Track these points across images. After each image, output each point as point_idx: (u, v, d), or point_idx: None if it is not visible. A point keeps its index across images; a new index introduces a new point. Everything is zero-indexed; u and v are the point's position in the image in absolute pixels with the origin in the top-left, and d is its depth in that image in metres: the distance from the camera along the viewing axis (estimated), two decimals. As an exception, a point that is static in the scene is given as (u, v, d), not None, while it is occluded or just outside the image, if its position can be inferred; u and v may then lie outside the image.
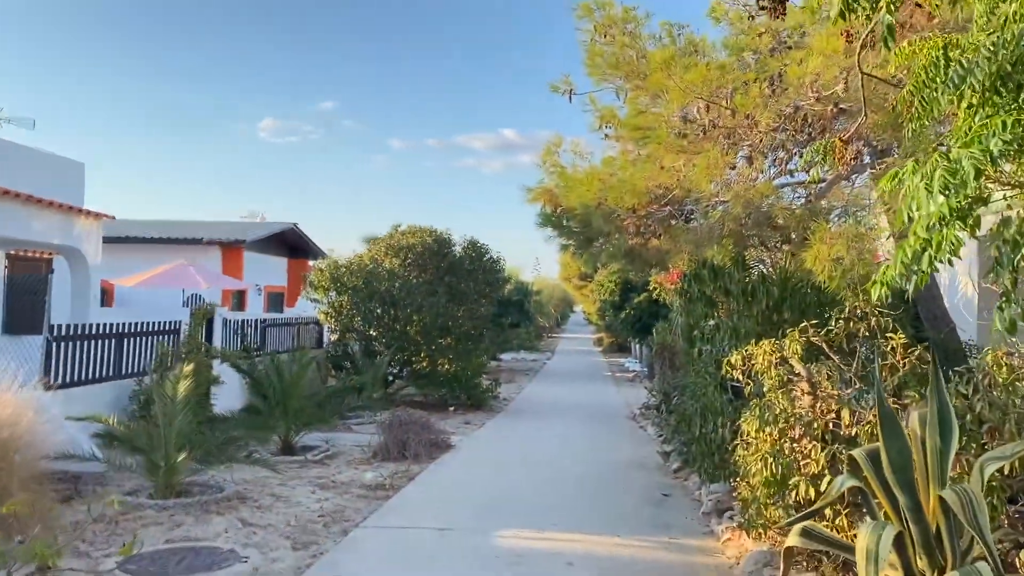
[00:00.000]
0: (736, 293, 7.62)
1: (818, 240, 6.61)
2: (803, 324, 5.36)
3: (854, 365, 5.05)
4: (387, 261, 17.21)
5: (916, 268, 2.76)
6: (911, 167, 2.83)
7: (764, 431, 5.16)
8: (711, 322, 8.26)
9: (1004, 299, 2.78)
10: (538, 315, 50.20)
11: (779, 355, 5.75)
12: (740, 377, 6.18)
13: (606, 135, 9.43)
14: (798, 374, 5.17)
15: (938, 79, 3.32)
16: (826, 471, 4.79)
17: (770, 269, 9.01)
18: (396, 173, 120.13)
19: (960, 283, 9.20)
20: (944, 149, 3.30)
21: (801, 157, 7.72)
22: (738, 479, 5.96)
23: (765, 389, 5.80)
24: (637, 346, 32.23)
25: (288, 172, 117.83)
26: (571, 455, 10.73)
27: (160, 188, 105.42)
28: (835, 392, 4.99)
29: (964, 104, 3.30)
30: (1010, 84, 3.11)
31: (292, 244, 26.44)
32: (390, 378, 16.76)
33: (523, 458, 10.47)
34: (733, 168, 8.06)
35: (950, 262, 2.68)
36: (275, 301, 26.00)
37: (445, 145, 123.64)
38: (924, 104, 3.45)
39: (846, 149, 4.78)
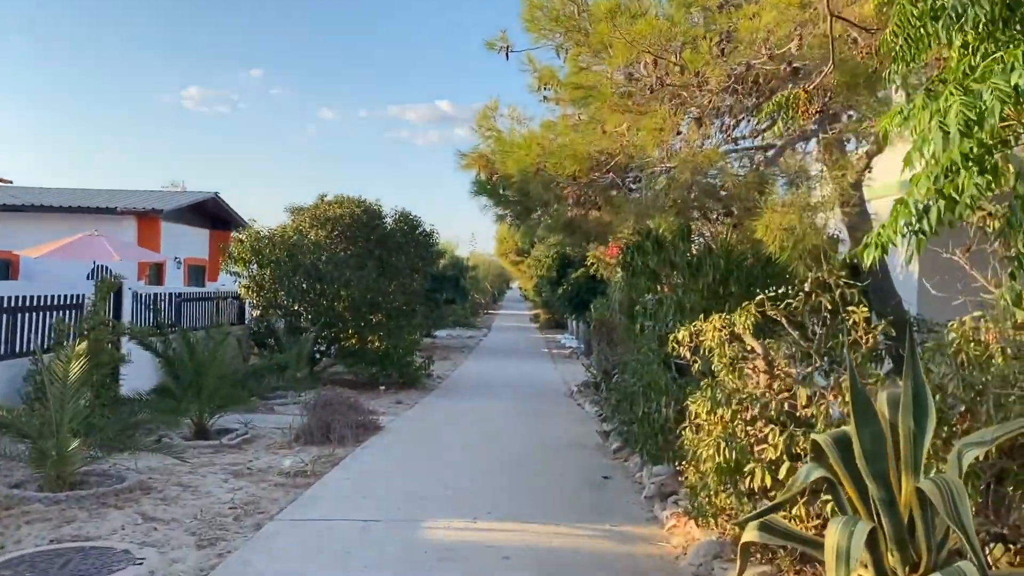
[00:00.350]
0: (681, 266, 7.21)
1: (769, 209, 6.21)
2: (759, 297, 4.93)
3: (816, 342, 4.65)
4: (313, 233, 16.37)
5: (919, 227, 2.30)
6: (920, 102, 2.37)
7: (716, 413, 4.73)
8: (654, 296, 7.84)
9: (1017, 266, 2.34)
10: (474, 291, 49.63)
11: (729, 330, 5.34)
12: (687, 354, 5.75)
13: (545, 97, 8.87)
14: (752, 351, 4.75)
15: (929, 11, 2.87)
16: (784, 457, 4.38)
17: (711, 242, 8.64)
18: (328, 144, 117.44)
19: (901, 250, 9.00)
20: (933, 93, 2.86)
21: (749, 122, 7.32)
22: (685, 463, 5.55)
23: (715, 367, 5.40)
24: (574, 322, 32.01)
25: (215, 142, 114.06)
26: (507, 435, 10.26)
27: (79, 159, 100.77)
28: (791, 371, 4.59)
29: (958, 43, 2.86)
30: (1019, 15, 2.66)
31: (214, 215, 25.20)
32: (317, 356, 16.02)
33: (456, 439, 9.95)
34: (679, 133, 7.61)
35: (961, 217, 2.23)
36: (196, 274, 24.79)
37: (378, 116, 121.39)
38: (910, 43, 3.00)
39: (810, 103, 4.35)
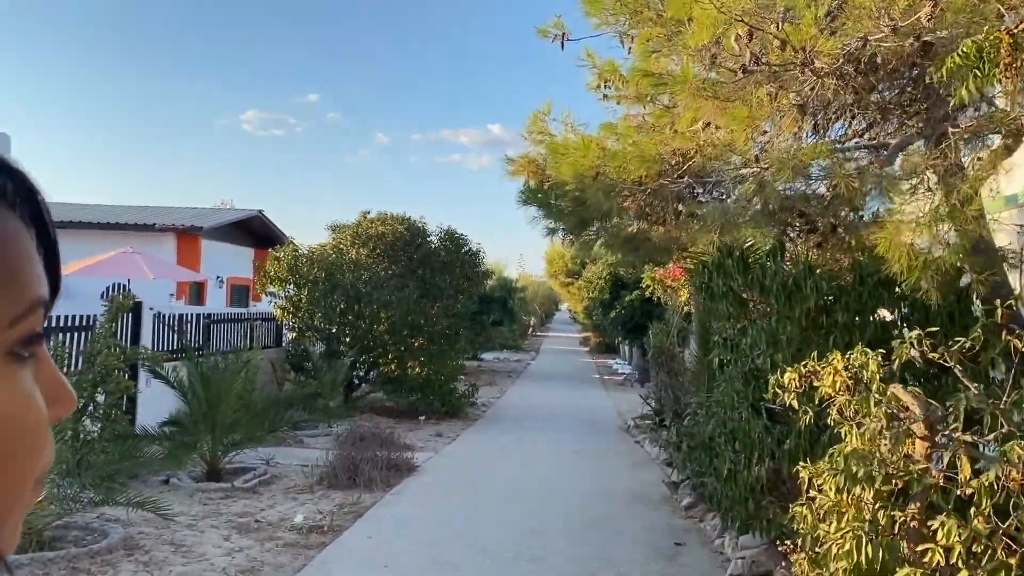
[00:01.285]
0: (774, 289, 5.91)
1: (895, 220, 4.91)
2: (914, 333, 3.62)
3: (1003, 396, 3.32)
4: (353, 251, 15.41)
5: None
6: None
7: (851, 491, 3.43)
8: (737, 325, 6.54)
9: None
10: (522, 313, 48.53)
11: (851, 375, 4.05)
12: (792, 402, 4.45)
13: (605, 95, 7.68)
14: (904, 407, 3.45)
15: None
16: (960, 562, 3.06)
17: (799, 261, 7.31)
18: (381, 167, 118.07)
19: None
20: None
21: (863, 116, 6.02)
22: (791, 544, 4.24)
23: (834, 421, 4.10)
24: (627, 347, 30.57)
25: (270, 165, 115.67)
26: (558, 480, 8.99)
27: (137, 183, 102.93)
28: (966, 437, 3.28)
29: None
30: None
31: (259, 233, 24.53)
32: (356, 382, 14.99)
33: (499, 485, 8.71)
34: (767, 132, 6.35)
35: None
36: (239, 294, 24.10)
37: (430, 140, 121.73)
38: None
39: (1015, 53, 3.07)
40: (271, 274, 14.39)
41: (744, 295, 6.28)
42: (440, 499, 7.94)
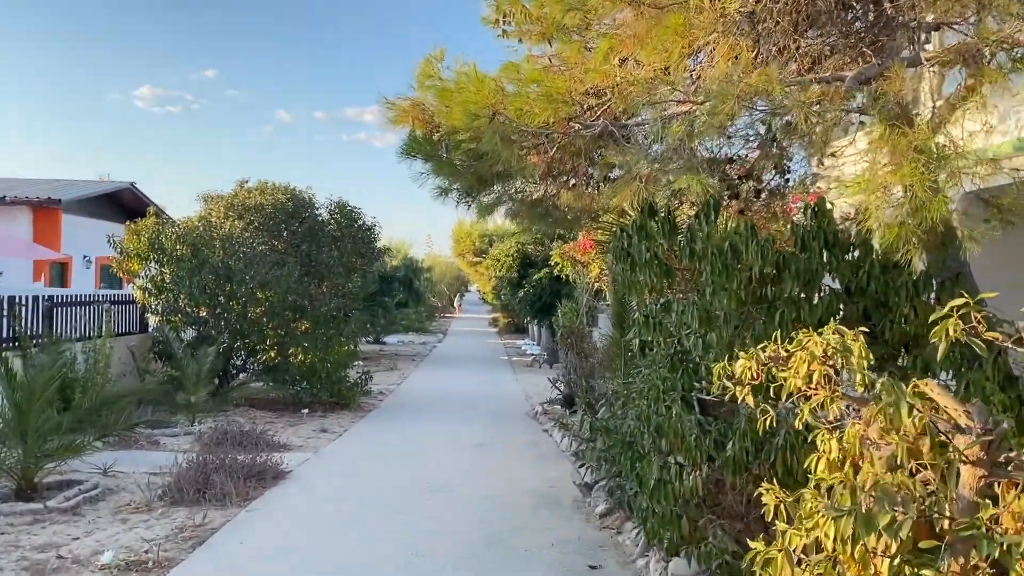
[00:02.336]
0: (708, 254, 4.79)
1: (874, 162, 3.85)
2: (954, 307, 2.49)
3: None
4: (228, 224, 13.70)
5: None
6: None
7: (858, 541, 2.30)
8: (661, 300, 5.41)
9: None
10: (430, 294, 47.03)
11: (829, 361, 2.95)
12: (748, 398, 3.31)
13: (504, 31, 6.46)
14: (938, 410, 2.32)
15: None
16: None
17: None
18: (283, 146, 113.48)
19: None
20: None
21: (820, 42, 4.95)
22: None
23: (801, 424, 3.02)
24: (536, 328, 29.62)
25: (166, 143, 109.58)
26: (455, 483, 7.74)
27: (16, 156, 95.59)
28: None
29: None
30: None
31: (132, 209, 22.14)
32: (233, 371, 13.35)
33: (384, 493, 7.39)
34: (696, 64, 5.21)
35: None
36: (111, 275, 21.80)
37: (334, 118, 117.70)
38: None
39: None
40: (130, 251, 12.55)
41: (670, 263, 5.14)
42: (306, 515, 6.55)
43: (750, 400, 3.25)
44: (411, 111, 6.50)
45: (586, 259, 12.98)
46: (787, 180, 7.41)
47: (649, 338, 5.39)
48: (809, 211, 5.02)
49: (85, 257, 20.52)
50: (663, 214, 5.22)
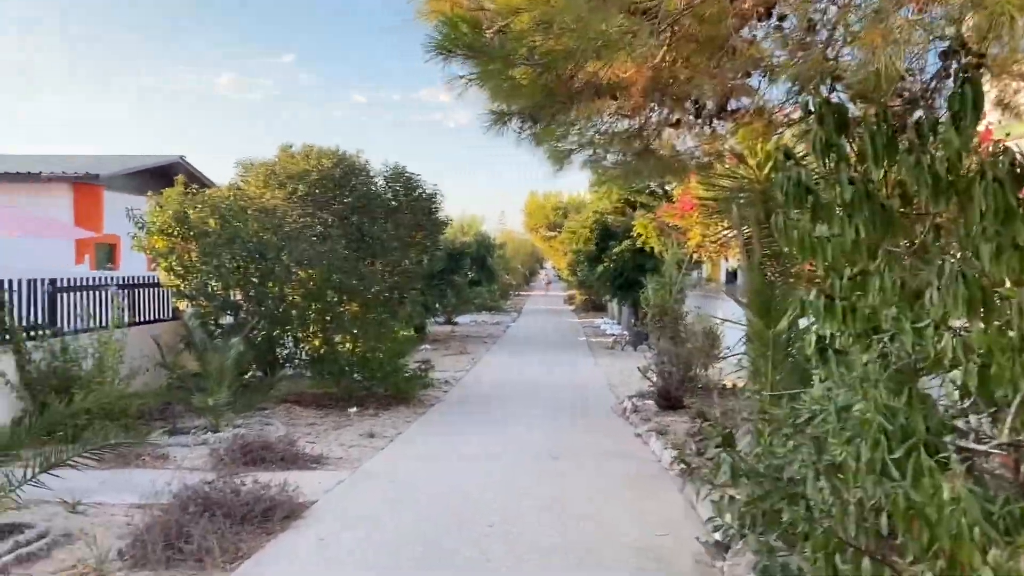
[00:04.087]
0: (973, 186, 2.61)
1: None
2: None
3: None
4: (267, 195, 11.97)
5: None
6: None
7: None
8: (873, 264, 3.21)
9: None
10: (503, 272, 45.19)
11: None
12: None
13: None
14: None
15: None
16: None
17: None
18: (359, 128, 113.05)
19: None
20: None
21: None
22: None
23: None
24: (616, 305, 27.41)
25: (247, 129, 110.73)
26: (523, 523, 5.73)
27: (101, 147, 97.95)
28: None
29: None
30: None
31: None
32: (281, 363, 11.68)
33: (429, 541, 5.41)
34: None
35: None
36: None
37: (410, 99, 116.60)
38: None
39: None
40: (151, 225, 10.94)
41: (891, 203, 2.94)
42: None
43: None
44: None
45: (686, 224, 10.72)
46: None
47: (839, 331, 3.23)
48: None
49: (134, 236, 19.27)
50: (877, 117, 2.99)
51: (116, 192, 17.99)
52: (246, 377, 11.44)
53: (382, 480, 7.05)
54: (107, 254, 18.58)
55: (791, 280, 4.79)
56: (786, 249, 3.62)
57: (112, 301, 9.76)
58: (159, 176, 19.95)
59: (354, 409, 10.50)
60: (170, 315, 11.80)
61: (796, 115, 6.48)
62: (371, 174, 13.18)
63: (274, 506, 5.62)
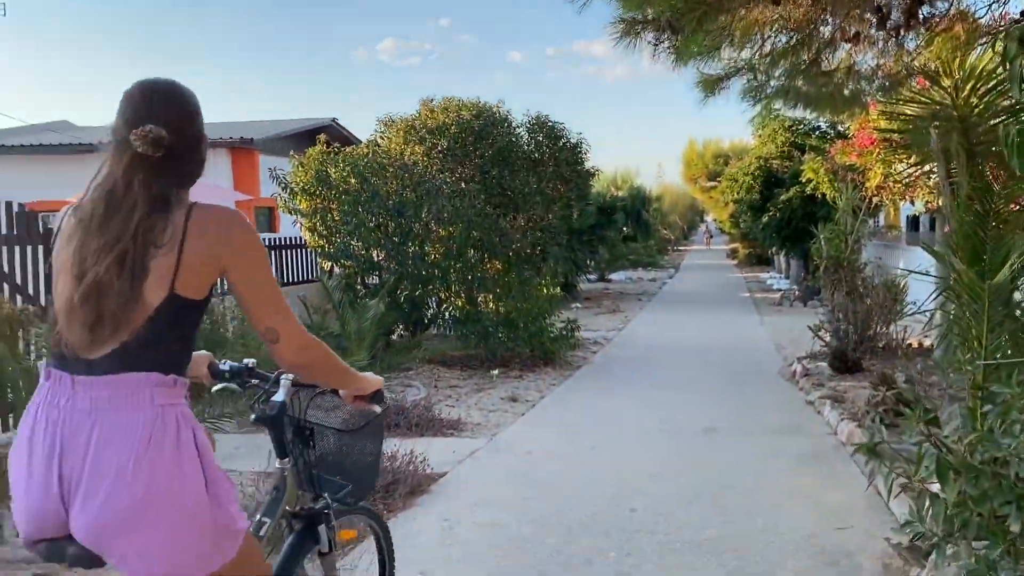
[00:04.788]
0: None
1: None
2: None
3: None
4: (408, 150, 11.66)
5: None
6: None
7: None
8: None
9: None
10: (660, 225, 43.67)
11: None
12: None
13: None
14: None
15: None
16: None
17: None
18: (519, 87, 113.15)
19: None
20: None
21: None
22: None
23: None
24: (783, 259, 25.62)
25: (406, 95, 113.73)
26: (671, 517, 5.00)
27: (268, 117, 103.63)
28: None
29: None
30: None
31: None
32: (426, 322, 11.46)
33: (558, 530, 4.79)
34: None
35: None
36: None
37: (564, 53, 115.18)
38: None
39: None
40: (295, 185, 10.89)
41: None
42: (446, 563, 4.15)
43: None
44: None
45: (865, 163, 9.36)
46: None
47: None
48: None
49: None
50: None
51: (272, 156, 18.48)
52: (392, 338, 11.32)
53: (518, 452, 6.50)
54: (267, 218, 19.19)
55: (1005, 222, 3.72)
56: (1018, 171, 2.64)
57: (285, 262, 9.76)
58: (312, 139, 20.38)
59: (496, 372, 10.05)
60: (318, 275, 11.82)
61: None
62: (513, 125, 12.58)
63: (397, 480, 5.20)
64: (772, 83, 6.23)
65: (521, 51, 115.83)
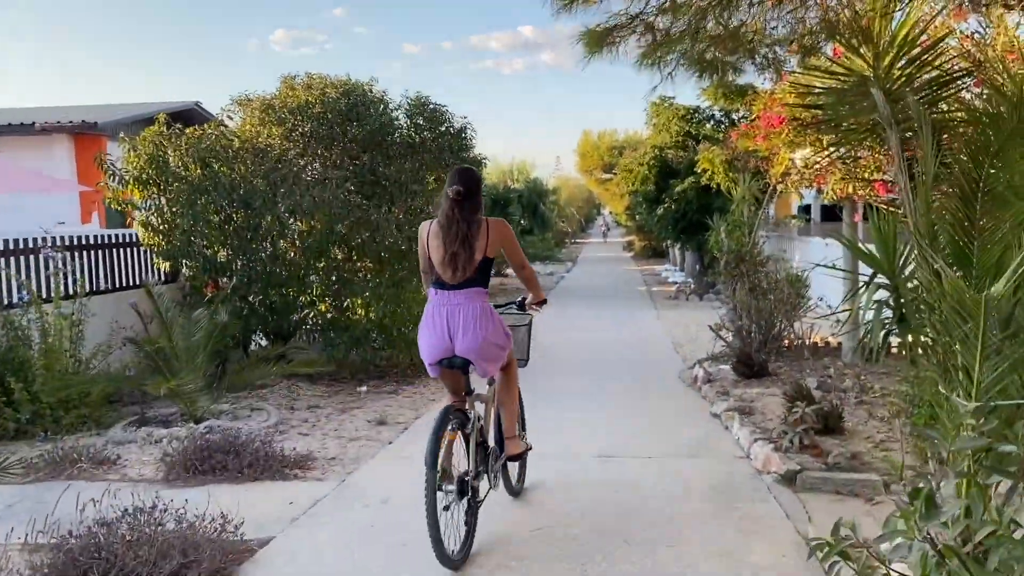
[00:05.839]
0: None
1: None
2: None
3: None
4: (264, 132, 10.14)
5: None
6: None
7: None
8: None
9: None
10: (558, 219, 42.98)
11: None
12: None
13: None
14: None
15: None
16: None
17: None
18: (414, 80, 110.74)
19: None
20: None
21: None
22: None
23: None
24: (678, 251, 25.16)
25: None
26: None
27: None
28: None
29: None
30: None
31: (204, 135, 19.26)
32: (291, 329, 9.97)
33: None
34: None
35: None
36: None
37: (461, 47, 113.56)
38: None
39: None
40: (126, 173, 9.23)
41: None
42: None
43: None
44: None
45: (769, 147, 8.50)
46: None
47: None
48: None
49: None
50: None
51: (117, 143, 16.44)
52: (251, 349, 9.83)
53: (372, 501, 5.21)
54: (120, 212, 17.11)
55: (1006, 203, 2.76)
56: None
57: (55, 267, 8.05)
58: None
59: (364, 388, 8.73)
60: (161, 279, 10.15)
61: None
62: (389, 107, 11.20)
63: (189, 564, 3.85)
64: (674, 51, 5.18)
65: (417, 43, 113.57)
